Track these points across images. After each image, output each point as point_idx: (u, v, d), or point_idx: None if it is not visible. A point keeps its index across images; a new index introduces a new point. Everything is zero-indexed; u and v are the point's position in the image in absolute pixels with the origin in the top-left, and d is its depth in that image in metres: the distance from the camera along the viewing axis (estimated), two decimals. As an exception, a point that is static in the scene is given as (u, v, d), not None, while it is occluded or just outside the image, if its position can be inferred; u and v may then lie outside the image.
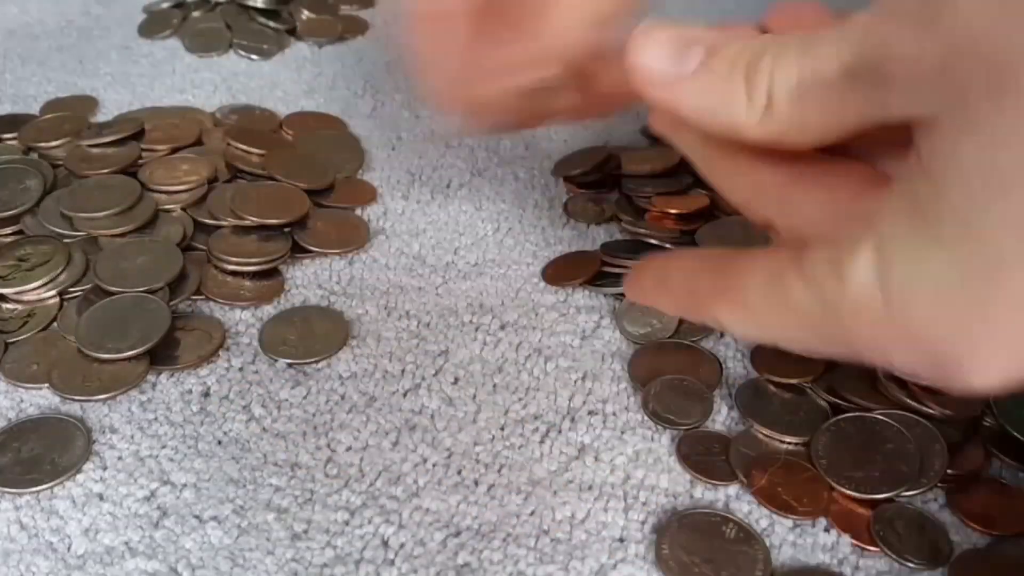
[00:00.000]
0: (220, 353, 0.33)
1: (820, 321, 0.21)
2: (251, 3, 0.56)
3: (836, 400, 0.30)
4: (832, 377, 0.31)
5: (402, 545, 0.26)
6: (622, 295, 0.35)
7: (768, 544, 0.26)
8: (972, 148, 0.18)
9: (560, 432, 0.30)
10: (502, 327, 0.34)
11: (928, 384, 0.29)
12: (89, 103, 0.48)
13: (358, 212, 0.40)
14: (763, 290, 0.22)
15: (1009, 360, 0.19)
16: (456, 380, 0.32)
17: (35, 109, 0.47)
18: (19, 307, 0.34)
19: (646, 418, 0.30)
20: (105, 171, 0.40)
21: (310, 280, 0.37)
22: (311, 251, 0.37)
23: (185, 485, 0.27)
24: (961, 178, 0.18)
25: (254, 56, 0.53)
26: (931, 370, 0.20)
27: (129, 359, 0.32)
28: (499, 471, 0.29)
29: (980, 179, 0.17)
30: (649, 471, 0.29)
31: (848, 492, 0.27)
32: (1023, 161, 0.17)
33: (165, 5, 0.58)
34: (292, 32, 0.56)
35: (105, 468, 0.29)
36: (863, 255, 0.20)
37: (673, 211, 0.38)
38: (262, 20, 0.56)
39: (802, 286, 0.21)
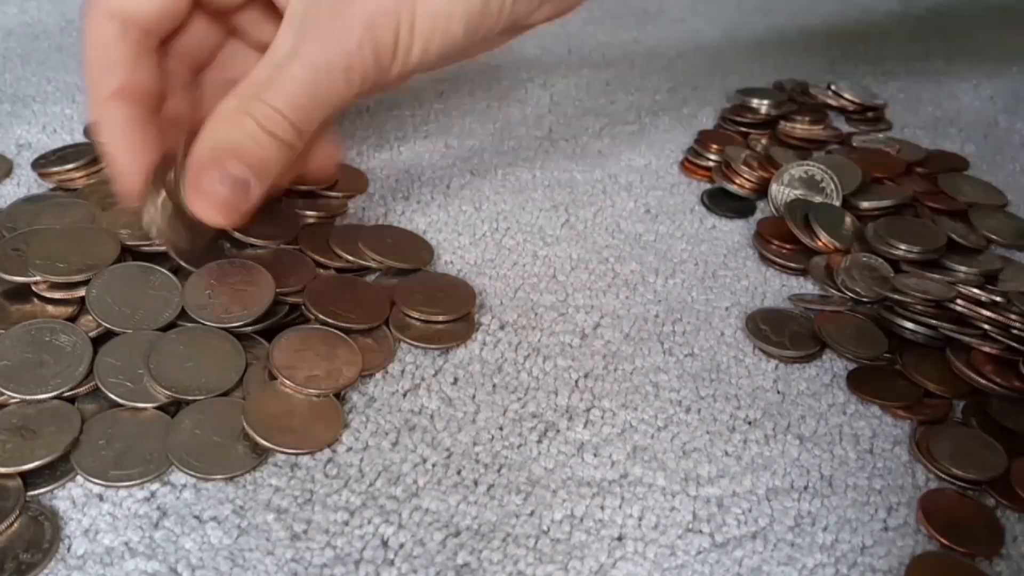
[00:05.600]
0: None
1: None
2: None
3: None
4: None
5: (402, 545, 0.26)
6: None
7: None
8: None
9: (559, 431, 0.30)
10: (501, 327, 0.34)
11: None
12: None
13: (356, 211, 0.40)
14: None
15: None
16: (455, 380, 0.32)
17: (35, 109, 0.47)
18: None
19: (644, 416, 0.31)
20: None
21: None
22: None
23: (185, 485, 0.27)
24: None
25: None
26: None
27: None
28: (498, 471, 0.29)
29: None
30: (647, 469, 0.29)
31: None
32: None
33: (165, 5, 0.58)
34: None
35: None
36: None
37: None
38: None
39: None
